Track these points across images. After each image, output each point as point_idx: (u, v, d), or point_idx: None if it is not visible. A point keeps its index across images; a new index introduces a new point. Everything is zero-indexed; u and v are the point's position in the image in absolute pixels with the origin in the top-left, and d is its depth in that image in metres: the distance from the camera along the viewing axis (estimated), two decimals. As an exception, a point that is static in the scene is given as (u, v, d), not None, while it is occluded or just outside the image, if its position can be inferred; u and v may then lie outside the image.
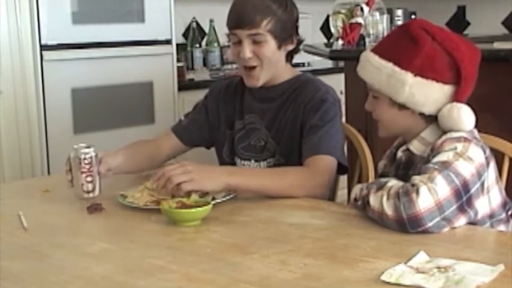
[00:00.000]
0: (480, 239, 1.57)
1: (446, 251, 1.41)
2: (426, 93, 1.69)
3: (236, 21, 2.01)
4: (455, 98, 1.69)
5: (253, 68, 2.04)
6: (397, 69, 1.70)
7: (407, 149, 1.78)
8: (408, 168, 1.76)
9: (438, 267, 1.30)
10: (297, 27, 2.09)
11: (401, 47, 1.71)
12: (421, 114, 1.73)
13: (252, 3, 2.00)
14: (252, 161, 2.10)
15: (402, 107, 1.73)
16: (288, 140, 2.06)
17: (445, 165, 1.57)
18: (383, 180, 1.65)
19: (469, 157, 1.60)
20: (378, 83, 1.74)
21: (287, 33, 2.04)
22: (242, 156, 2.11)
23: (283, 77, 2.10)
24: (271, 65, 2.04)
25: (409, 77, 1.68)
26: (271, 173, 1.92)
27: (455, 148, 1.61)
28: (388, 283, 1.26)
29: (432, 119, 1.73)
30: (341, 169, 2.01)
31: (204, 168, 1.80)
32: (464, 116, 1.67)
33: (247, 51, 2.01)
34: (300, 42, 2.11)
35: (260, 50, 2.01)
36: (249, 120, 2.13)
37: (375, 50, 1.77)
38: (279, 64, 2.07)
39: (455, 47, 1.69)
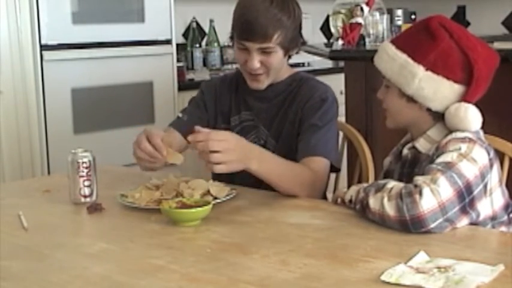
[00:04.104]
0: (480, 239, 1.57)
1: (446, 251, 1.41)
2: (435, 88, 1.69)
3: (247, 33, 1.98)
4: (464, 98, 1.69)
5: (259, 74, 2.04)
6: (410, 61, 1.71)
7: (413, 147, 1.78)
8: (414, 166, 1.77)
9: (438, 267, 1.30)
10: (300, 30, 2.08)
11: (418, 40, 1.72)
12: (429, 110, 1.73)
13: (264, 16, 1.96)
14: None
15: (410, 99, 1.74)
16: (287, 138, 2.06)
17: (449, 166, 1.57)
18: (381, 182, 1.65)
19: (473, 158, 1.60)
20: (390, 72, 1.75)
21: (294, 42, 2.05)
22: None
23: (282, 76, 2.11)
24: (277, 70, 2.06)
25: (420, 70, 1.69)
26: (288, 167, 1.87)
27: (460, 149, 1.61)
28: (388, 283, 1.26)
29: (439, 117, 1.73)
30: (333, 168, 2.02)
31: (243, 147, 1.72)
32: (471, 116, 1.67)
33: (256, 62, 2.00)
34: (303, 43, 2.12)
35: (268, 59, 2.01)
36: (245, 117, 2.14)
37: (393, 41, 1.79)
38: (282, 67, 2.09)
39: (472, 47, 1.69)
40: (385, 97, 1.81)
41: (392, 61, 1.74)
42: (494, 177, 1.66)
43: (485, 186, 1.61)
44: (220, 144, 1.65)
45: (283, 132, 2.07)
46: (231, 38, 2.07)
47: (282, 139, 2.07)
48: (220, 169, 1.66)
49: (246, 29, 1.98)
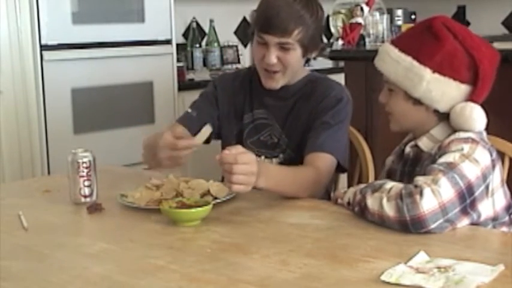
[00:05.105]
0: (480, 239, 1.57)
1: (446, 251, 1.41)
2: (443, 90, 1.68)
3: (267, 26, 1.98)
4: (471, 98, 1.68)
5: (275, 72, 2.03)
6: (416, 63, 1.69)
7: (416, 145, 1.77)
8: (415, 165, 1.76)
9: (438, 267, 1.30)
10: (321, 34, 2.09)
11: (422, 42, 1.71)
12: (435, 111, 1.72)
13: (286, 11, 1.96)
14: (263, 157, 2.09)
15: (417, 102, 1.72)
16: (300, 135, 2.06)
17: (451, 167, 1.56)
18: (377, 182, 1.65)
19: (475, 159, 1.59)
20: (394, 75, 1.74)
21: (314, 42, 2.04)
22: (252, 151, 2.09)
23: (298, 77, 2.11)
24: (293, 70, 2.05)
25: (427, 72, 1.68)
26: (293, 175, 1.86)
27: (462, 149, 1.60)
28: (388, 283, 1.26)
29: (444, 117, 1.72)
30: (340, 168, 2.02)
31: (258, 168, 1.68)
32: (476, 116, 1.66)
33: (273, 57, 1.99)
34: (323, 48, 2.11)
35: (286, 56, 2.00)
36: (258, 115, 2.13)
37: (395, 43, 1.77)
38: (299, 68, 2.09)
39: (476, 47, 1.68)
40: (389, 100, 1.79)
41: (397, 64, 1.72)
42: (497, 178, 1.65)
43: (487, 187, 1.61)
44: (244, 167, 1.64)
45: (296, 131, 2.07)
46: (252, 34, 2.05)
47: (294, 137, 2.07)
48: (238, 189, 1.66)
49: (266, 22, 1.98)
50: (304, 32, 1.98)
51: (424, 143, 1.75)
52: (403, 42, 1.76)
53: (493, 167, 1.64)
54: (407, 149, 1.80)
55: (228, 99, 2.16)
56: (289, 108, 2.10)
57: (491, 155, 1.64)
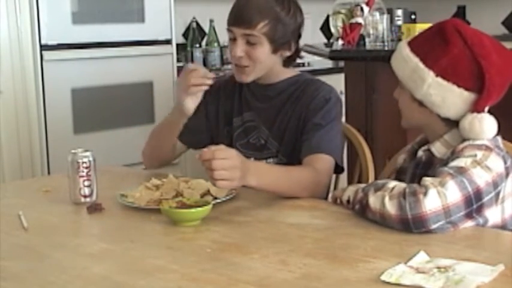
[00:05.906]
0: (480, 239, 1.57)
1: (446, 251, 1.41)
2: (443, 95, 1.66)
3: (234, 18, 2.00)
4: (474, 107, 1.65)
5: (245, 66, 2.02)
6: (421, 65, 1.68)
7: (429, 149, 1.75)
8: (427, 168, 1.73)
9: (438, 267, 1.30)
10: (298, 35, 2.06)
11: (432, 44, 1.69)
12: (440, 117, 1.71)
13: (255, 3, 1.98)
14: (252, 159, 2.08)
15: (422, 104, 1.71)
16: (291, 140, 2.05)
17: (460, 171, 1.55)
18: (379, 182, 1.64)
19: (487, 166, 1.57)
20: (401, 74, 1.74)
21: (285, 38, 2.01)
22: (241, 154, 2.10)
23: (281, 76, 2.10)
24: (263, 67, 2.03)
25: (430, 75, 1.67)
26: (287, 174, 1.86)
27: (475, 155, 1.58)
28: (388, 283, 1.26)
29: (452, 123, 1.70)
30: (337, 169, 2.02)
31: (243, 165, 1.70)
32: (486, 127, 1.64)
33: (239, 50, 1.99)
34: (298, 50, 2.09)
35: (253, 51, 1.99)
36: (247, 118, 2.13)
37: (410, 42, 1.76)
38: (275, 67, 2.07)
39: (485, 55, 1.64)
40: (399, 98, 1.79)
41: (405, 63, 1.72)
42: (509, 185, 1.63)
43: (497, 194, 1.59)
44: (224, 162, 1.64)
45: (286, 133, 2.06)
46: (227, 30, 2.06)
47: (285, 140, 2.06)
48: (223, 185, 1.66)
49: (234, 14, 2.00)
50: (271, 25, 1.97)
51: (437, 148, 1.73)
52: (415, 42, 1.75)
53: (507, 174, 1.61)
54: (420, 153, 1.77)
55: (217, 107, 2.16)
56: (276, 110, 2.09)
57: (505, 163, 1.61)
